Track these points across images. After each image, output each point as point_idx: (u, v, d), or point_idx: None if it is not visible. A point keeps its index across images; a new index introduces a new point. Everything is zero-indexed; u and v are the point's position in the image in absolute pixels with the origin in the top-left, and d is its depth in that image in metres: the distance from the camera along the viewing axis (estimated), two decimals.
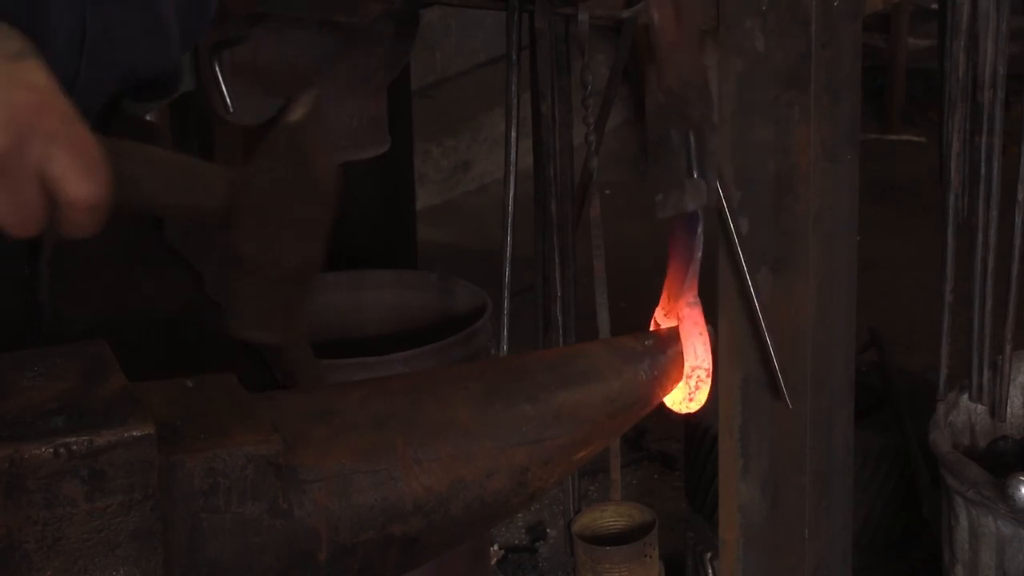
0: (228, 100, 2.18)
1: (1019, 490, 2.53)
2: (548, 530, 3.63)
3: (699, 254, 1.29)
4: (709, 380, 1.31)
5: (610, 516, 3.08)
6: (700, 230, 1.28)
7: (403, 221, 3.91)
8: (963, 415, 2.88)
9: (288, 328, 1.25)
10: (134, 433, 1.02)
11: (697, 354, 1.31)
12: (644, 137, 1.27)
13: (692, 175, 1.22)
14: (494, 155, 5.10)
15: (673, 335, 1.32)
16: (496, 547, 3.52)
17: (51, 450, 1.00)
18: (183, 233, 1.54)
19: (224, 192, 1.20)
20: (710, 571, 3.02)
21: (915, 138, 6.18)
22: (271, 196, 1.19)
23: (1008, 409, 2.83)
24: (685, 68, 1.23)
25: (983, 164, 2.63)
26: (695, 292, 1.32)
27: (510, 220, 3.10)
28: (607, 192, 3.50)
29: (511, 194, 3.02)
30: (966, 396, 2.83)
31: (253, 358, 1.57)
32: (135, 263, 1.50)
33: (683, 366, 1.31)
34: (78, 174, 1.13)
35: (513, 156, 3.02)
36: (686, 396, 1.32)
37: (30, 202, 1.13)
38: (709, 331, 1.33)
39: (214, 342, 1.56)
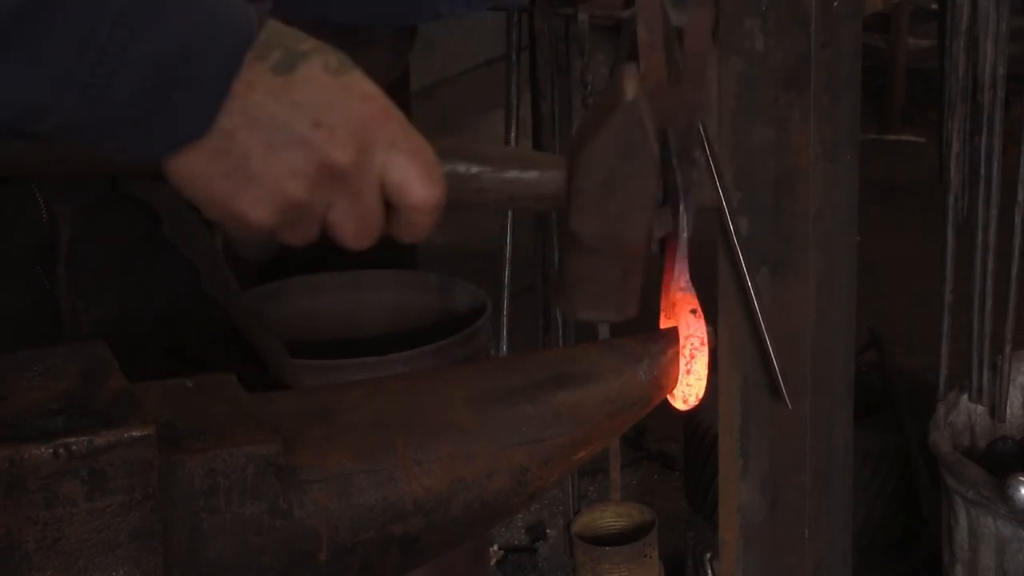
0: None
1: (1019, 490, 2.53)
2: (548, 530, 3.63)
3: (685, 235, 1.29)
4: (705, 349, 1.31)
5: (610, 516, 3.08)
6: (687, 218, 1.28)
7: None
8: (963, 415, 2.89)
9: (624, 306, 1.26)
10: (134, 433, 1.02)
11: (688, 324, 1.31)
12: None
13: (660, 204, 1.26)
14: None
15: (673, 335, 1.32)
16: (496, 547, 3.52)
17: (51, 450, 1.00)
18: (179, 229, 1.55)
19: (561, 178, 1.21)
20: (710, 571, 3.02)
21: (915, 138, 6.18)
22: (610, 173, 1.20)
23: (1008, 409, 2.84)
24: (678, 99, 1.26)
25: (983, 164, 2.63)
26: (687, 277, 1.32)
27: (510, 220, 3.10)
28: None
29: None
30: (966, 396, 2.83)
31: (246, 354, 1.58)
32: (139, 260, 1.51)
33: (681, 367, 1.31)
34: (419, 178, 1.13)
35: None
36: (683, 368, 1.31)
37: (373, 211, 1.13)
38: (709, 331, 1.33)
39: (209, 338, 1.57)
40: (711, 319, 1.35)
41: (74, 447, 1.00)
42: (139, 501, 1.03)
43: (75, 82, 1.02)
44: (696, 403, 1.33)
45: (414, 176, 1.13)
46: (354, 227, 1.14)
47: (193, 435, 1.09)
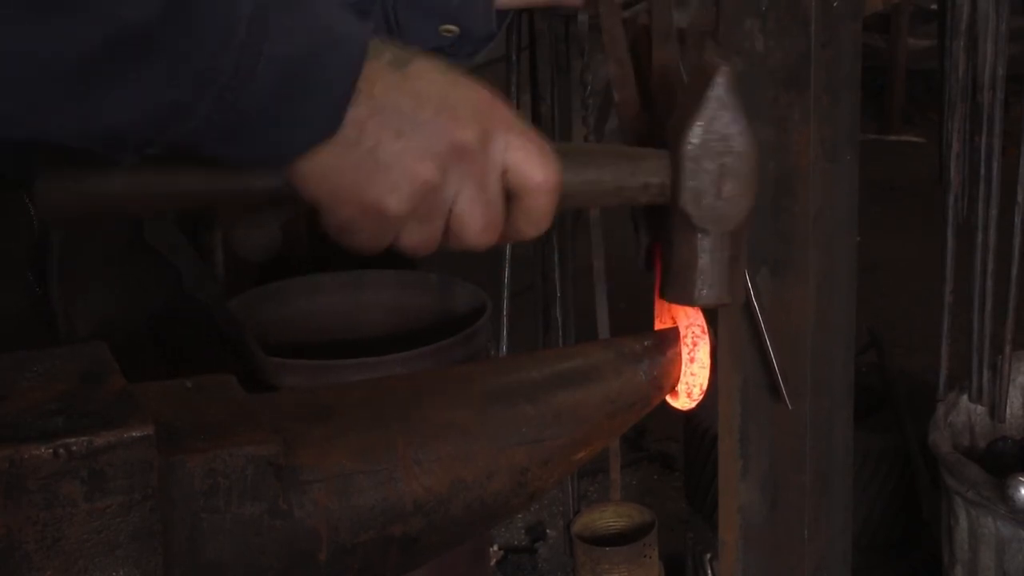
0: None
1: (1019, 491, 2.53)
2: (548, 530, 3.63)
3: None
4: (706, 338, 1.32)
5: (610, 516, 3.08)
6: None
7: None
8: (963, 416, 2.89)
9: (737, 289, 1.28)
10: (133, 434, 1.02)
11: (688, 314, 1.31)
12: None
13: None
14: None
15: (673, 335, 1.32)
16: (496, 547, 3.52)
17: (51, 450, 1.00)
18: (159, 233, 1.55)
19: (666, 166, 1.23)
20: (710, 571, 3.02)
21: (915, 139, 6.18)
22: (711, 156, 1.23)
23: (1008, 410, 2.84)
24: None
25: (983, 165, 2.63)
26: None
27: None
28: None
29: None
30: (966, 397, 2.84)
31: (230, 353, 1.58)
32: (125, 264, 1.51)
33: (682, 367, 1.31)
34: (538, 158, 1.16)
35: None
36: (687, 356, 1.32)
37: (498, 196, 1.16)
38: (709, 331, 1.33)
39: (196, 339, 1.57)
40: (711, 319, 1.35)
41: (74, 447, 1.00)
42: (139, 501, 1.03)
43: (215, 81, 1.03)
44: (699, 397, 1.33)
45: (533, 156, 1.16)
46: (481, 215, 1.15)
47: (193, 435, 1.09)
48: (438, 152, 1.12)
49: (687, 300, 1.27)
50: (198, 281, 1.59)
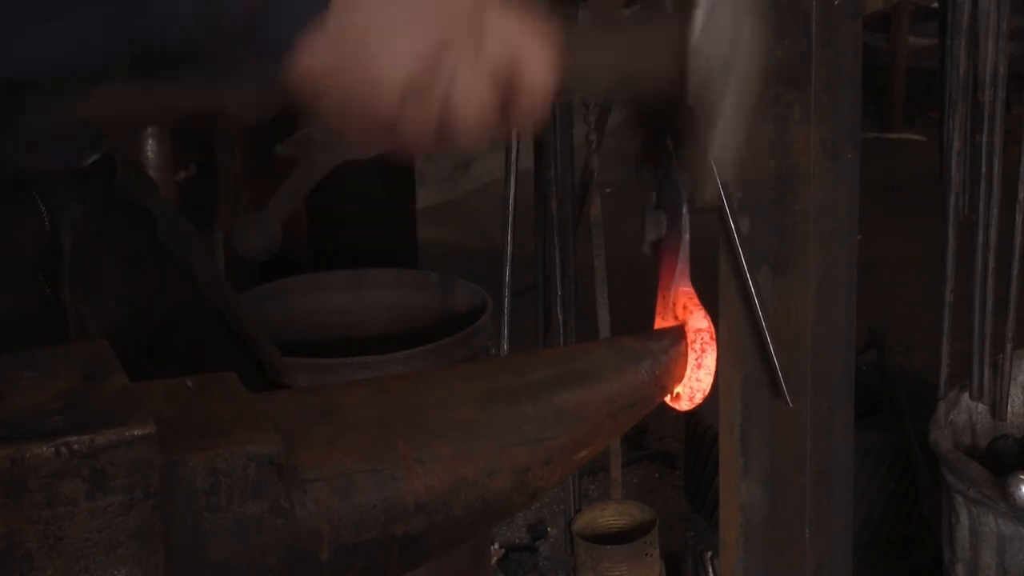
0: None
1: (1019, 489, 2.53)
2: (549, 529, 3.63)
3: (686, 236, 1.30)
4: (714, 344, 1.31)
5: (611, 515, 3.08)
6: (685, 219, 1.29)
7: (403, 221, 3.92)
8: (963, 414, 2.89)
9: (739, 167, 1.27)
10: (135, 432, 1.02)
11: (696, 320, 1.31)
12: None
13: (655, 208, 1.28)
14: (494, 154, 5.10)
15: (674, 335, 1.32)
16: (497, 546, 3.52)
17: (52, 450, 1.00)
18: (173, 233, 1.55)
19: (671, 52, 1.20)
20: (711, 570, 3.02)
21: (916, 137, 6.18)
22: (720, 36, 1.20)
23: (1009, 408, 2.84)
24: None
25: (984, 163, 2.63)
26: (688, 278, 1.33)
27: (511, 219, 3.10)
28: (607, 192, 3.49)
29: (512, 193, 3.03)
30: (967, 395, 2.84)
31: (242, 353, 1.58)
32: (139, 265, 1.51)
33: (685, 365, 1.31)
34: (534, 55, 1.13)
35: (514, 156, 3.02)
36: (694, 361, 1.31)
37: (489, 91, 1.12)
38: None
39: (206, 340, 1.57)
40: (712, 318, 1.35)
41: (75, 446, 1.00)
42: (140, 500, 1.03)
43: None
44: (701, 401, 1.33)
45: (528, 52, 1.13)
46: (474, 110, 1.12)
47: (194, 434, 1.09)
48: (427, 44, 1.10)
49: (702, 195, 1.25)
50: (211, 281, 1.58)
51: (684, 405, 1.33)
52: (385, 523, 1.14)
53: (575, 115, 3.05)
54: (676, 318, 1.33)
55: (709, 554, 3.02)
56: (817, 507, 1.65)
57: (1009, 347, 2.75)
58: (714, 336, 1.31)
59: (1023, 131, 2.66)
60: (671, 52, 1.20)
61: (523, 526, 3.65)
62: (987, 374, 2.77)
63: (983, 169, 2.63)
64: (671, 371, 1.31)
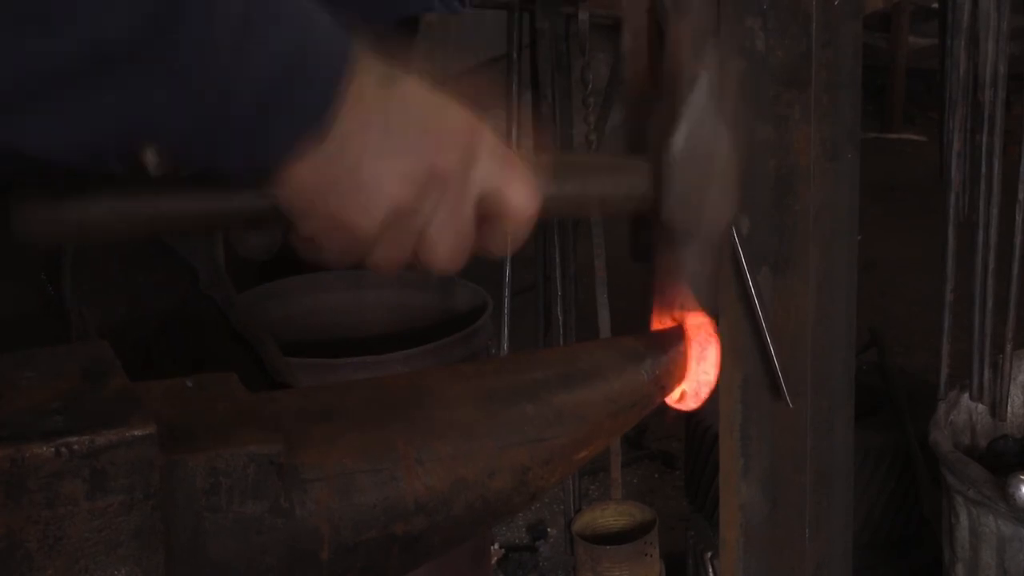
0: None
1: (1019, 489, 2.53)
2: (549, 529, 3.63)
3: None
4: (716, 338, 1.31)
5: (611, 515, 3.09)
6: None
7: None
8: (963, 414, 2.89)
9: (714, 295, 1.29)
10: (135, 432, 1.02)
11: (695, 317, 1.31)
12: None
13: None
14: None
15: (675, 335, 1.32)
16: (497, 546, 3.52)
17: (52, 450, 1.00)
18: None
19: (648, 178, 1.23)
20: (711, 570, 3.03)
21: (916, 137, 6.18)
22: (701, 166, 1.22)
23: (1008, 408, 2.84)
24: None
25: (984, 163, 2.63)
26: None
27: None
28: None
29: None
30: (967, 395, 2.84)
31: (245, 352, 1.58)
32: (141, 263, 1.51)
33: (685, 366, 1.31)
34: (518, 186, 1.16)
35: None
36: (696, 356, 1.31)
37: (470, 222, 1.15)
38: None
39: (209, 339, 1.57)
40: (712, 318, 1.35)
41: (75, 446, 1.00)
42: (140, 500, 1.03)
43: (201, 84, 1.02)
44: (706, 398, 1.33)
45: (513, 183, 1.15)
46: (453, 241, 1.14)
47: (194, 434, 1.09)
48: (417, 176, 1.11)
49: (670, 306, 1.28)
50: (214, 281, 1.58)
51: (691, 404, 1.33)
52: (385, 523, 1.14)
53: (575, 115, 3.06)
54: (673, 320, 1.33)
55: (709, 554, 3.02)
56: (817, 507, 1.65)
57: (1009, 347, 2.75)
58: (716, 331, 1.32)
59: (1023, 131, 2.66)
60: (648, 181, 1.23)
61: (523, 526, 3.65)
62: (987, 374, 2.77)
63: (983, 169, 2.63)
64: (671, 371, 1.31)
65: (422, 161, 1.11)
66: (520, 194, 1.16)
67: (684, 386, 1.32)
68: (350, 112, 1.08)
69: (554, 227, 3.07)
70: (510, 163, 1.16)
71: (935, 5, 3.35)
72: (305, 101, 1.07)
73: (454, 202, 1.13)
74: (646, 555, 2.95)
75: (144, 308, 1.50)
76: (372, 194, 1.10)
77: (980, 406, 2.86)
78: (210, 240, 1.61)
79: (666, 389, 1.31)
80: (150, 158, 1.05)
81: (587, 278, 3.09)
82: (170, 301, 1.53)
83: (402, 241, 1.14)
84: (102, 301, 1.46)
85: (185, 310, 1.54)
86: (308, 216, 1.12)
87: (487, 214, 1.16)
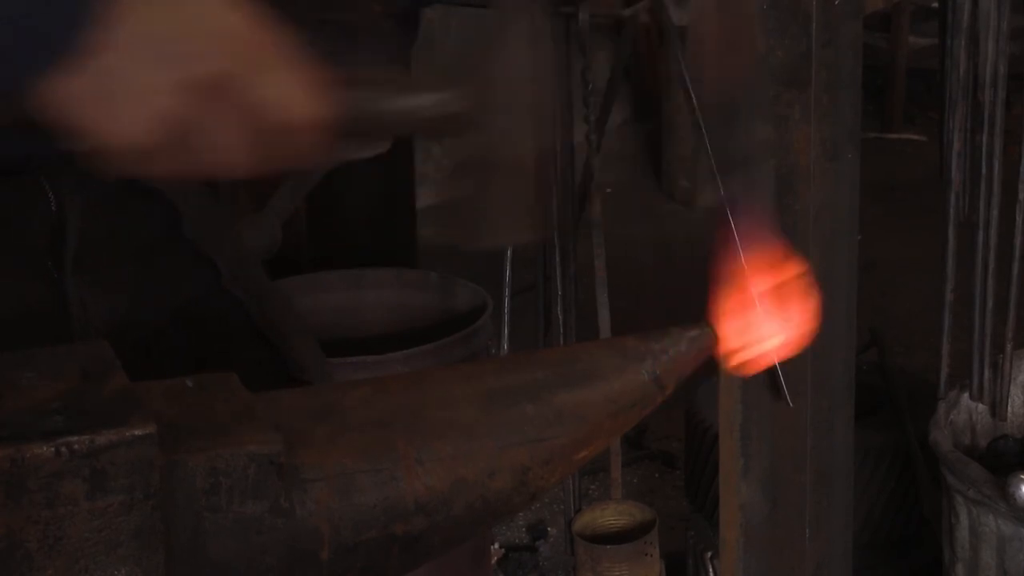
0: None
1: (1020, 489, 2.53)
2: (549, 529, 3.63)
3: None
4: (810, 288, 1.28)
5: (611, 515, 3.08)
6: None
7: (403, 220, 3.92)
8: (964, 414, 2.89)
9: (531, 226, 1.25)
10: (135, 432, 1.02)
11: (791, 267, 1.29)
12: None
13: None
14: None
15: (676, 334, 1.31)
16: (497, 546, 3.53)
17: (52, 449, 1.00)
18: (200, 226, 1.55)
19: (455, 102, 1.20)
20: (711, 570, 3.03)
21: (916, 137, 6.18)
22: (504, 85, 1.20)
23: (1009, 408, 2.84)
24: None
25: (984, 163, 2.63)
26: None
27: None
28: (607, 192, 3.49)
29: None
30: (967, 395, 2.83)
31: (267, 349, 1.58)
32: (153, 256, 1.50)
33: (686, 366, 1.31)
34: (299, 98, 1.12)
35: None
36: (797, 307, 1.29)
37: (252, 130, 1.11)
38: (710, 332, 1.32)
39: (230, 333, 1.56)
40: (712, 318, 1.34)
41: (75, 446, 1.00)
42: (140, 500, 1.03)
43: None
44: (792, 349, 1.30)
45: (293, 93, 1.12)
46: (238, 150, 1.11)
47: (194, 434, 1.09)
48: (188, 85, 1.07)
49: (477, 242, 1.25)
50: (238, 276, 1.57)
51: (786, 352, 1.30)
52: (385, 523, 1.14)
53: (575, 115, 3.05)
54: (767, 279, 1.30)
55: (709, 554, 3.02)
56: (817, 507, 1.65)
57: (1009, 347, 2.75)
58: (808, 280, 1.28)
59: (1023, 131, 2.66)
60: (450, 99, 1.20)
61: (523, 526, 3.65)
62: (987, 374, 2.77)
63: (983, 169, 2.63)
64: (671, 371, 1.31)
65: (191, 70, 1.07)
66: (301, 105, 1.12)
67: (781, 337, 1.30)
68: (114, 21, 1.05)
69: (554, 228, 3.07)
70: (291, 72, 1.12)
71: (935, 5, 3.35)
72: (60, 9, 1.03)
73: (232, 112, 1.10)
74: (646, 555, 2.95)
75: (151, 299, 1.49)
76: (141, 106, 1.07)
77: (980, 406, 2.86)
78: (232, 234, 1.61)
79: (666, 389, 1.31)
80: None
81: (587, 278, 3.09)
82: (184, 294, 1.53)
83: (184, 152, 1.10)
84: (107, 293, 1.45)
85: (202, 304, 1.54)
86: (78, 132, 1.08)
87: (272, 122, 1.12)
